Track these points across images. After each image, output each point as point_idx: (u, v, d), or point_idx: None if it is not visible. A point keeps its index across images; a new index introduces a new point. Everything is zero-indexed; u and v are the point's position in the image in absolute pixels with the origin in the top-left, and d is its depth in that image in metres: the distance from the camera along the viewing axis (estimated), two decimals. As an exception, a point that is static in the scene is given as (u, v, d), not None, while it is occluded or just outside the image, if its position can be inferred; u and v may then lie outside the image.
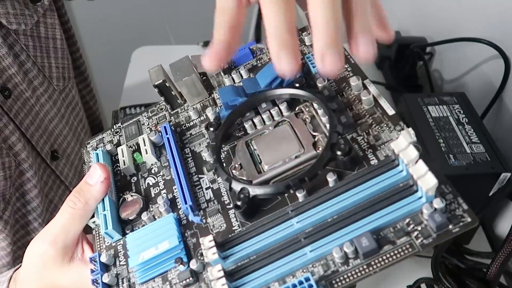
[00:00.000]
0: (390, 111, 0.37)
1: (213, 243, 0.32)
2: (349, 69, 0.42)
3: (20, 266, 0.43)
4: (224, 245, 0.34)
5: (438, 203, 0.31)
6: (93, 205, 0.39)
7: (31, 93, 0.56)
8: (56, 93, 0.61)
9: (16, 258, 0.56)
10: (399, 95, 0.86)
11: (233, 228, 0.36)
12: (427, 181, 0.30)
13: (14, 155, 0.52)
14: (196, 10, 1.66)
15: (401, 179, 0.32)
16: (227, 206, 0.38)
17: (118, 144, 0.47)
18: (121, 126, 0.48)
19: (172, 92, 0.46)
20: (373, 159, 0.35)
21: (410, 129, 0.32)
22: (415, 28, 1.01)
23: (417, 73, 0.92)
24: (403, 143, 0.31)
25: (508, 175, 0.52)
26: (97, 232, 0.41)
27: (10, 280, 0.42)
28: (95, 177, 0.39)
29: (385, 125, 0.37)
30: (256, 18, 1.47)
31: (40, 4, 0.57)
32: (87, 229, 0.42)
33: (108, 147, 0.46)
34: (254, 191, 0.35)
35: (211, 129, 0.41)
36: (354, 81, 0.39)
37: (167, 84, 0.45)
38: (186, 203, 0.37)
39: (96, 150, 0.45)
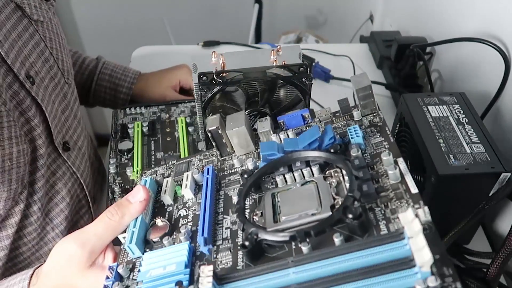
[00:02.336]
0: (414, 190, 0.38)
1: (211, 273, 0.34)
2: (386, 146, 0.44)
3: (41, 265, 0.46)
4: (222, 278, 0.35)
5: (432, 282, 0.29)
6: (128, 220, 0.43)
7: (48, 82, 0.57)
8: (66, 86, 0.62)
9: (13, 241, 0.57)
10: (399, 95, 0.86)
11: (237, 267, 0.39)
12: (423, 255, 0.30)
13: (30, 140, 0.53)
14: (196, 10, 1.66)
15: (403, 252, 0.32)
16: (238, 247, 0.40)
17: (168, 177, 0.51)
18: (175, 163, 0.53)
19: (223, 140, 0.50)
20: (384, 230, 0.36)
21: (426, 207, 0.33)
22: (415, 28, 1.01)
23: (417, 73, 0.92)
24: (410, 216, 0.32)
25: (508, 175, 0.52)
26: (123, 246, 0.45)
27: (31, 276, 0.46)
28: (136, 197, 0.44)
29: (405, 201, 0.37)
30: (256, 18, 1.47)
31: (50, 2, 0.61)
32: (116, 241, 0.45)
33: (158, 177, 0.51)
34: (262, 235, 0.37)
35: (245, 175, 0.45)
36: (385, 156, 0.40)
37: (219, 131, 0.49)
38: (202, 234, 0.41)
39: (150, 176, 0.51)
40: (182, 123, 0.74)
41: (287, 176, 0.44)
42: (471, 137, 0.57)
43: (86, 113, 1.64)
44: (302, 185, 0.43)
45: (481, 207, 0.53)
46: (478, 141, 0.56)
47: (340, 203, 0.39)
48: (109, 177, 0.67)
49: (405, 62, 0.91)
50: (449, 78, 0.86)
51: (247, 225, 0.39)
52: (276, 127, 0.51)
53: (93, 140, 0.78)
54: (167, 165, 0.54)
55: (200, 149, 0.70)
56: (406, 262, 0.31)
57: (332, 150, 0.42)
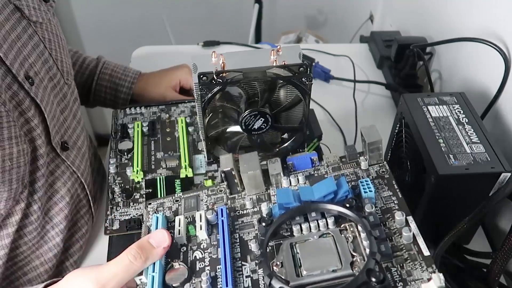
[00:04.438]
0: (426, 252, 0.41)
1: None
2: (396, 202, 0.47)
3: (53, 281, 0.46)
4: None
5: None
6: (149, 264, 0.43)
7: (47, 82, 0.58)
8: (65, 86, 0.62)
9: (13, 241, 0.57)
10: (399, 95, 0.86)
11: None
12: None
13: (30, 140, 0.53)
14: (196, 10, 1.66)
15: None
16: None
17: (177, 212, 0.51)
18: (182, 196, 0.53)
19: (235, 180, 0.51)
20: None
21: (441, 274, 0.35)
22: (415, 28, 1.01)
23: (417, 73, 0.92)
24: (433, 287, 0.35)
25: (508, 175, 0.52)
26: None
27: None
28: (160, 242, 0.44)
29: (418, 263, 0.40)
30: (256, 18, 1.47)
31: (49, 4, 0.61)
32: None
33: (168, 213, 0.51)
34: None
35: (263, 223, 0.45)
36: (399, 216, 0.43)
37: (233, 173, 0.51)
38: (227, 285, 0.41)
39: (156, 213, 0.50)
40: (182, 123, 0.74)
41: (303, 225, 0.45)
42: (471, 137, 0.57)
43: (86, 113, 1.64)
44: (320, 236, 0.44)
45: (481, 207, 0.53)
46: (478, 141, 0.56)
47: (359, 261, 0.41)
48: (109, 177, 0.67)
49: (405, 62, 0.91)
50: (449, 78, 0.86)
51: (275, 281, 0.40)
52: (284, 167, 0.52)
53: (93, 140, 0.78)
54: (173, 197, 0.53)
55: (200, 149, 0.70)
56: None
57: (347, 205, 0.44)
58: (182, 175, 0.66)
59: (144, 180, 0.66)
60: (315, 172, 0.52)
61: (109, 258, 0.59)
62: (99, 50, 0.94)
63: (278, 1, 1.67)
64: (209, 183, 0.64)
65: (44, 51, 0.58)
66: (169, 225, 0.50)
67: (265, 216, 0.46)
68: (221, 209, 0.48)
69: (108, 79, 0.82)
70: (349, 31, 1.42)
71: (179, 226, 0.48)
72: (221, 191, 0.53)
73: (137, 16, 1.61)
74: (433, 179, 0.53)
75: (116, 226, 0.61)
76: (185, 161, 0.67)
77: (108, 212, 0.62)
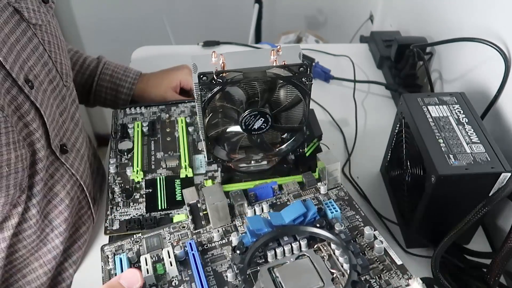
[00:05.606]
0: (398, 261, 0.44)
1: None
2: (360, 220, 0.50)
3: None
4: None
5: None
6: None
7: (47, 85, 0.58)
8: (64, 89, 0.62)
9: (11, 246, 0.57)
10: (399, 95, 0.86)
11: None
12: None
13: (29, 144, 0.53)
14: (196, 10, 1.66)
15: None
16: None
17: (139, 253, 0.50)
18: (141, 236, 0.51)
19: (200, 213, 0.52)
20: None
21: (418, 278, 0.38)
22: (415, 28, 1.01)
23: (417, 73, 0.92)
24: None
25: (508, 175, 0.52)
26: None
27: None
28: (132, 282, 0.42)
29: (394, 272, 0.44)
30: (256, 18, 1.47)
31: (49, 5, 0.61)
32: None
33: (130, 254, 0.49)
34: None
35: (238, 251, 0.46)
36: (368, 230, 0.47)
37: (198, 205, 0.52)
38: None
39: (117, 254, 0.48)
40: (182, 123, 0.74)
41: (277, 250, 0.46)
42: (471, 137, 0.57)
43: (86, 113, 1.64)
44: (296, 259, 0.45)
45: (481, 207, 0.53)
46: (478, 141, 0.56)
47: (339, 277, 0.43)
48: (109, 177, 0.67)
49: (405, 62, 0.91)
50: (449, 78, 0.86)
51: None
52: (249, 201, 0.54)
53: (92, 140, 0.78)
54: (132, 239, 0.52)
55: (200, 149, 0.70)
56: None
57: (318, 225, 0.47)
58: (182, 175, 0.66)
59: (144, 180, 0.66)
60: (277, 200, 0.54)
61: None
62: (99, 50, 0.94)
63: (278, 1, 1.67)
64: (209, 183, 0.64)
65: (43, 54, 0.58)
66: (133, 267, 0.48)
67: (237, 245, 0.47)
68: (189, 243, 0.48)
69: (108, 80, 0.82)
70: (349, 31, 1.42)
71: (146, 265, 0.47)
72: (183, 227, 0.53)
73: (137, 16, 1.61)
74: (433, 179, 0.53)
75: (116, 226, 0.61)
76: (185, 161, 0.67)
77: (108, 212, 0.62)
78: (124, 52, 1.05)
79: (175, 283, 0.46)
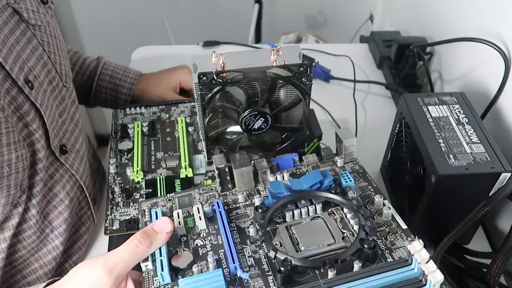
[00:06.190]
0: (404, 226, 0.48)
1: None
2: (371, 190, 0.53)
3: (55, 280, 0.47)
4: None
5: None
6: (154, 249, 0.46)
7: (47, 86, 0.58)
8: (64, 89, 0.62)
9: (11, 246, 0.57)
10: (399, 95, 0.86)
11: None
12: (436, 276, 0.38)
13: (29, 144, 0.54)
14: (196, 10, 1.66)
15: (411, 275, 0.40)
16: (267, 273, 0.45)
17: (172, 209, 0.53)
18: (174, 195, 0.55)
19: (228, 177, 0.54)
20: (389, 258, 0.45)
21: (420, 240, 0.40)
22: (415, 28, 1.01)
23: (417, 73, 0.92)
24: (418, 247, 0.40)
25: (508, 175, 0.52)
26: (147, 275, 0.46)
27: None
28: (163, 227, 0.46)
29: (399, 235, 0.47)
30: (256, 18, 1.47)
31: (48, 5, 0.61)
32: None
33: (164, 209, 0.53)
34: (295, 261, 0.44)
35: (259, 210, 0.49)
36: (378, 198, 0.51)
37: (226, 170, 0.54)
38: (234, 262, 0.45)
39: (153, 208, 0.53)
40: (182, 123, 0.74)
41: (295, 212, 0.50)
42: (471, 137, 0.57)
43: (86, 113, 1.64)
44: (311, 219, 0.50)
45: (481, 207, 0.53)
46: (478, 141, 0.56)
47: (349, 236, 0.47)
48: (109, 177, 0.67)
49: (405, 62, 0.91)
50: (449, 78, 0.86)
51: (279, 254, 0.45)
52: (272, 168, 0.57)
53: (91, 141, 0.78)
54: (166, 197, 0.55)
55: (200, 149, 0.70)
56: (416, 282, 0.40)
57: (333, 192, 0.51)
58: (182, 175, 0.66)
59: (144, 180, 0.66)
60: (297, 170, 0.57)
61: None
62: (99, 50, 0.94)
63: (278, 1, 1.67)
64: (209, 183, 0.64)
65: (43, 54, 0.58)
66: None
67: (259, 205, 0.51)
68: (217, 203, 0.52)
69: (108, 80, 0.82)
70: (349, 31, 1.42)
71: (178, 218, 0.51)
72: (212, 189, 0.56)
73: (137, 16, 1.62)
74: (433, 179, 0.53)
75: (116, 226, 0.61)
76: (185, 161, 0.67)
77: (108, 212, 0.62)
78: (124, 52, 1.05)
79: (203, 235, 0.50)
